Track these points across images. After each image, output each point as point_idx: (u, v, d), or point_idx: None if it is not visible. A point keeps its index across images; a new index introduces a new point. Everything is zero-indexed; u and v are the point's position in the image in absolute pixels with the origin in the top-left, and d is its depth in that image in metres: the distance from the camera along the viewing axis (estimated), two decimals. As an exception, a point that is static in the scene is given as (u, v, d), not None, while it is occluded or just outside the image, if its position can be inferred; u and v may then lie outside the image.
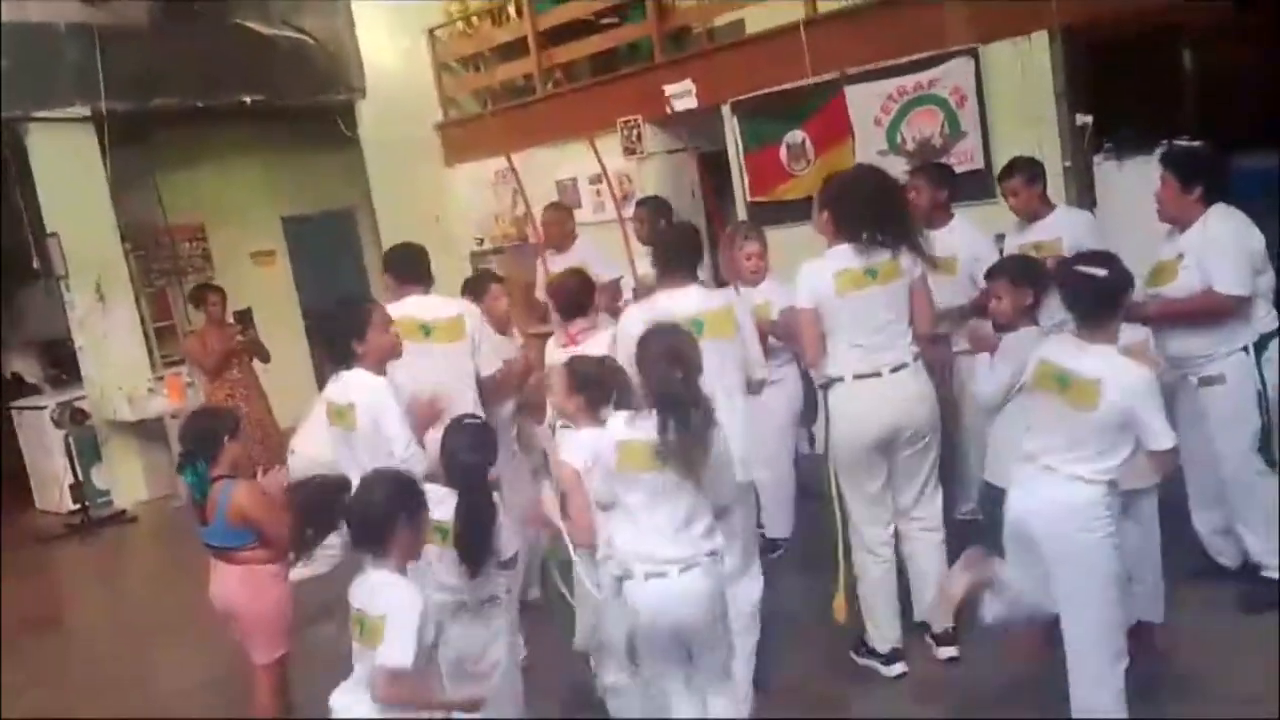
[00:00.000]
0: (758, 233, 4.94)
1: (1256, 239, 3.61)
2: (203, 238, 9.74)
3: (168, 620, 5.45)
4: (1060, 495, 2.82)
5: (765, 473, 4.28)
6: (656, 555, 2.81)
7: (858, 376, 3.51)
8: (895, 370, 3.51)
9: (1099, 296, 2.84)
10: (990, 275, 3.65)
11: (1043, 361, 2.94)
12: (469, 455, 3.04)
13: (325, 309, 4.12)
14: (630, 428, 2.83)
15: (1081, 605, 2.82)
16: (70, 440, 7.68)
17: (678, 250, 3.65)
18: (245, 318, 7.05)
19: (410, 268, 4.16)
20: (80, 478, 7.73)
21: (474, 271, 7.21)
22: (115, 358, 7.99)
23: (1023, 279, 3.48)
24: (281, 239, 10.14)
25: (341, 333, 3.42)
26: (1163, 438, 2.76)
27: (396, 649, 2.49)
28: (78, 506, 7.67)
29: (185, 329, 9.47)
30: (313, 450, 3.88)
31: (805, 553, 4.55)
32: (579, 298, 4.06)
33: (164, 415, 7.75)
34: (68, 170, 7.73)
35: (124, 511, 7.84)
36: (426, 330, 3.94)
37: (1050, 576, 2.85)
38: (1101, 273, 2.82)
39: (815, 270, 3.54)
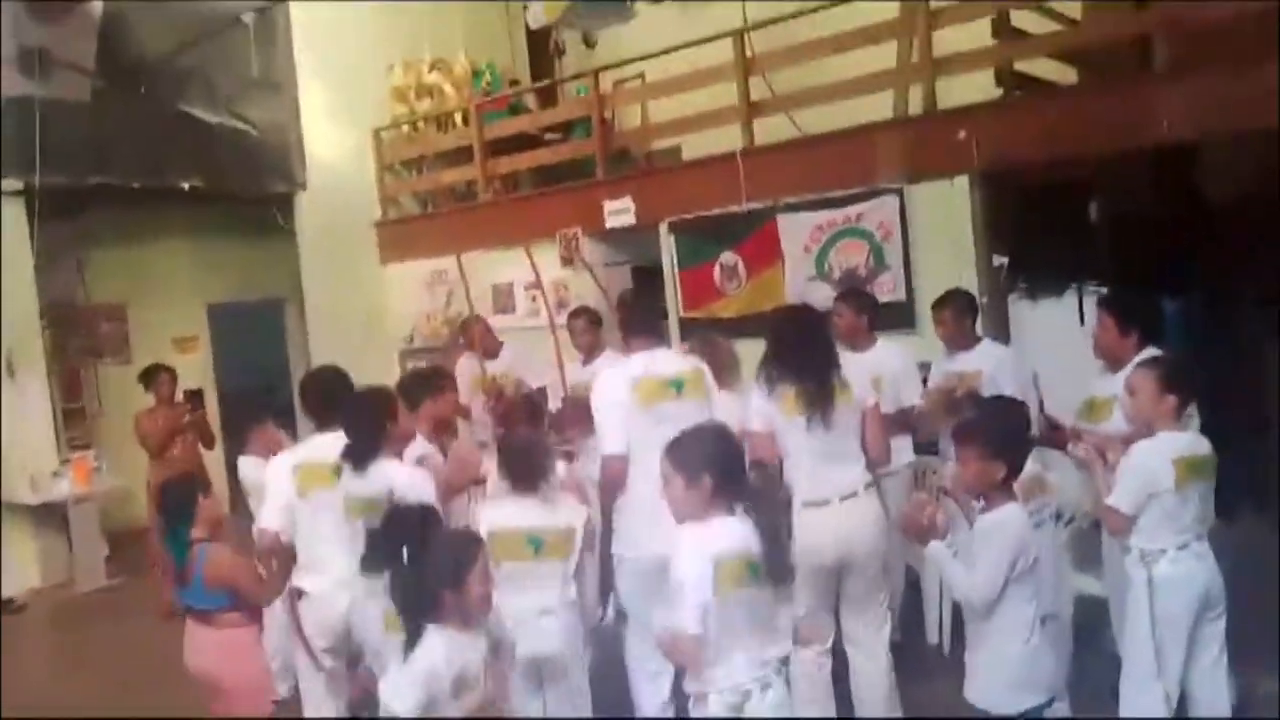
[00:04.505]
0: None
1: None
2: (123, 318, 9.57)
3: (62, 711, 5.12)
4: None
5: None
6: None
7: (807, 504, 3.49)
8: (845, 499, 3.50)
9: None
10: (959, 437, 2.99)
11: (1179, 460, 3.21)
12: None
13: (354, 398, 3.76)
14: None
15: None
16: (-41, 522, 7.31)
17: (644, 314, 3.84)
18: (196, 398, 7.02)
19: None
20: (-33, 562, 7.33)
21: (405, 371, 7.25)
22: (21, 437, 7.67)
23: (1000, 449, 2.88)
24: (205, 325, 10.01)
25: (375, 416, 3.55)
26: None
27: None
28: (-39, 592, 7.26)
29: (95, 411, 9.23)
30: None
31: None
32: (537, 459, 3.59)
33: (68, 499, 7.46)
34: (-8, 243, 7.57)
35: (11, 600, 7.44)
36: None
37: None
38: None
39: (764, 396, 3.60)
